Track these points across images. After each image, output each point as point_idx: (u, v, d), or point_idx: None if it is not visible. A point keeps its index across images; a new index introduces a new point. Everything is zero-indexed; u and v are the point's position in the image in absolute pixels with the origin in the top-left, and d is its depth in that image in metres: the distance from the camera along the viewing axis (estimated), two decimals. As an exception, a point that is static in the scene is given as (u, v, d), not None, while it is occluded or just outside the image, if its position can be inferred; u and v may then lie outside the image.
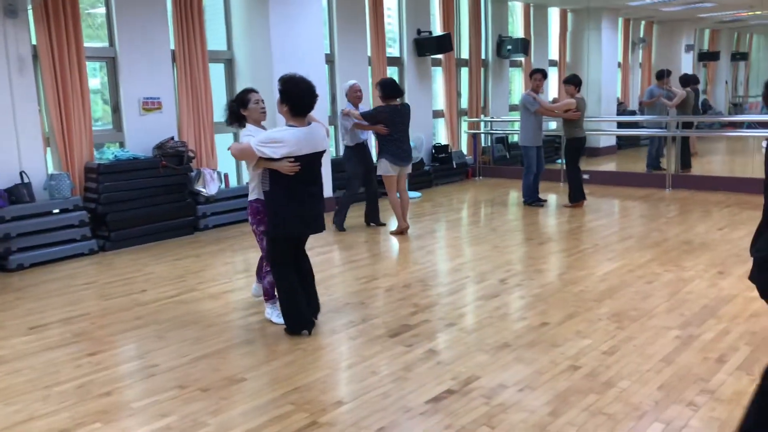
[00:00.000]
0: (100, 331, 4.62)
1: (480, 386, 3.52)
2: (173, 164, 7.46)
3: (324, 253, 6.65)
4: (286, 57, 8.16)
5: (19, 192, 6.49)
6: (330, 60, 9.52)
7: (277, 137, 4.10)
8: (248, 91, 4.63)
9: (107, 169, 6.97)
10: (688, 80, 11.71)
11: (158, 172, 7.33)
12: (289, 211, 4.23)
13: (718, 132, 13.24)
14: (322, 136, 4.32)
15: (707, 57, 19.34)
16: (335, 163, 9.14)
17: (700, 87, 13.86)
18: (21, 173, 6.58)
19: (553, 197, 9.38)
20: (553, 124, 13.94)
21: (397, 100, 7.17)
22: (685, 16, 16.35)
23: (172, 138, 7.66)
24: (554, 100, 8.82)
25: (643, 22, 16.99)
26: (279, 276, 4.37)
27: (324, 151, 4.33)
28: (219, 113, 8.38)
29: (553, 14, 14.30)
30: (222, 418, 3.30)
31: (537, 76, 8.68)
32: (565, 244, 6.68)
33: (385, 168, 7.18)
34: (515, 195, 9.87)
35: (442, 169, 11.10)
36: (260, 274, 4.90)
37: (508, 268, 5.84)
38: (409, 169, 7.37)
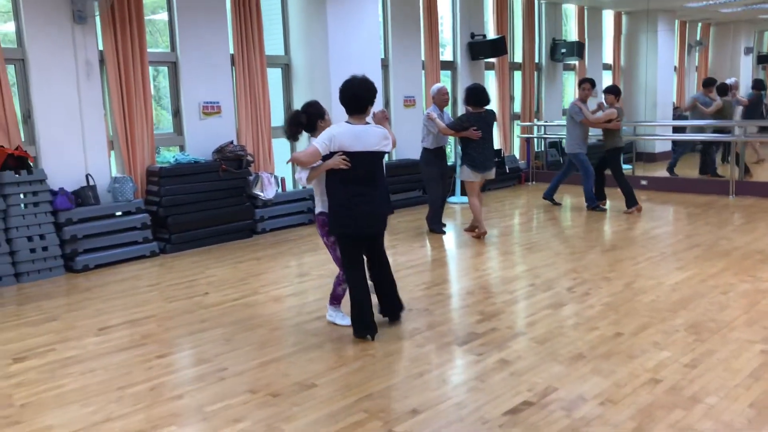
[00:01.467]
0: (167, 334, 4.66)
1: (558, 398, 3.41)
2: (232, 168, 7.52)
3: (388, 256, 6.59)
4: (342, 62, 8.16)
5: (85, 194, 6.62)
6: (384, 65, 9.49)
7: (332, 132, 4.20)
8: (320, 104, 4.60)
9: (168, 173, 7.06)
10: (724, 90, 11.24)
11: (218, 175, 7.40)
12: (343, 210, 4.25)
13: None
14: (378, 136, 4.30)
15: (766, 59, 18.73)
16: (391, 168, 9.09)
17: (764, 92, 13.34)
18: (87, 176, 6.72)
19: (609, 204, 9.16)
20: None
21: (483, 108, 7.08)
22: (744, 17, 15.87)
23: (232, 142, 7.73)
24: (599, 106, 8.70)
25: (699, 24, 16.55)
26: (348, 278, 4.40)
27: (380, 153, 4.33)
28: (277, 118, 8.47)
29: (607, 17, 14.03)
30: (296, 425, 3.27)
31: (586, 86, 8.63)
32: (630, 252, 6.49)
33: (467, 174, 7.15)
34: (570, 200, 9.67)
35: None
36: (334, 295, 4.72)
37: (573, 276, 5.69)
38: (490, 175, 7.29)
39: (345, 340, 4.38)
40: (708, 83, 10.93)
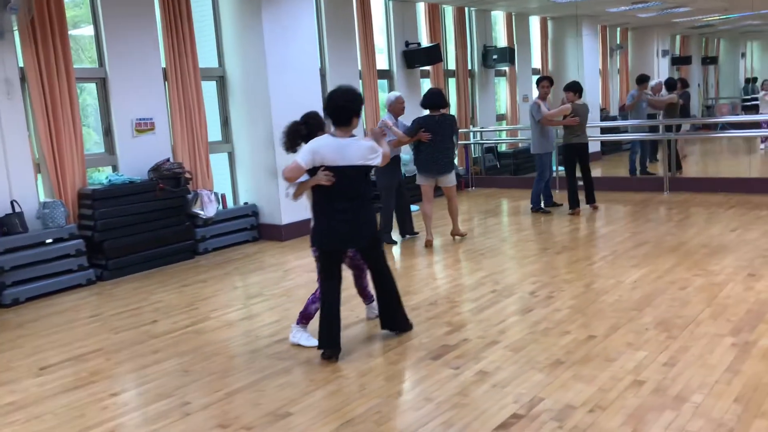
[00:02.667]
0: (118, 368, 4.31)
1: (547, 409, 3.31)
2: (170, 187, 7.15)
3: (336, 272, 6.40)
4: (280, 72, 7.93)
5: (11, 222, 6.12)
6: (321, 74, 9.30)
7: (313, 145, 4.09)
8: (320, 115, 4.41)
9: (102, 195, 6.63)
10: (682, 84, 11.71)
11: (155, 195, 7.02)
12: (322, 224, 4.18)
13: (720, 133, 13.26)
14: (363, 149, 4.15)
15: (680, 61, 19.62)
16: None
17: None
18: (12, 202, 6.22)
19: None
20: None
21: (440, 110, 6.98)
22: (659, 21, 16.54)
23: (168, 159, 7.35)
24: (562, 102, 8.77)
25: (618, 29, 17.14)
26: (323, 290, 4.24)
27: (362, 166, 4.16)
28: (214, 132, 8.15)
29: (534, 23, 14.32)
30: (277, 459, 3.04)
31: (544, 83, 8.68)
32: (582, 252, 6.53)
33: (418, 177, 7.17)
34: (512, 204, 9.74)
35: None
36: (366, 294, 4.77)
37: (533, 279, 5.66)
38: (447, 180, 7.14)
39: (313, 362, 4.16)
40: (641, 80, 11.25)
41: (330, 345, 4.15)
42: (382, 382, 3.83)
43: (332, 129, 4.20)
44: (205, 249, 7.59)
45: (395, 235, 7.64)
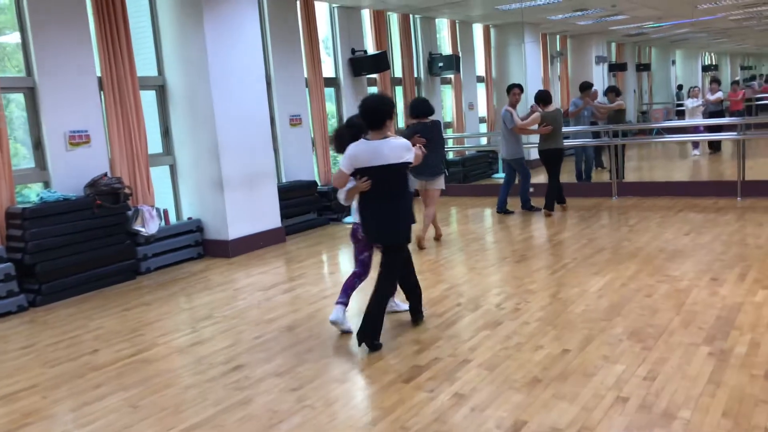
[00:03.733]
0: (56, 407, 3.89)
1: (532, 433, 3.12)
2: (108, 203, 6.69)
3: (293, 289, 6.09)
4: (224, 80, 7.58)
5: (-70, 246, 5.57)
6: (267, 83, 8.96)
7: (350, 151, 4.37)
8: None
9: (33, 214, 6.12)
10: (619, 92, 11.87)
11: (92, 213, 6.54)
12: (369, 223, 4.51)
13: (664, 138, 13.53)
14: (397, 149, 4.35)
15: (617, 68, 20.11)
16: (283, 190, 8.60)
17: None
18: (-70, 225, 5.66)
19: (489, 211, 9.23)
20: (484, 140, 13.98)
21: (428, 117, 7.10)
22: (597, 29, 16.88)
23: (105, 174, 6.89)
24: (532, 110, 8.95)
25: (558, 36, 17.41)
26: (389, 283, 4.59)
27: (397, 165, 4.36)
28: (154, 144, 7.72)
29: (477, 30, 14.34)
30: (244, 506, 2.73)
31: (515, 91, 8.94)
32: (542, 261, 6.42)
33: (412, 183, 7.10)
34: (463, 213, 9.63)
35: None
36: (347, 293, 4.82)
37: (497, 290, 5.49)
38: (435, 184, 7.30)
39: (273, 391, 3.85)
40: (585, 87, 11.35)
41: (364, 338, 4.31)
42: (352, 410, 3.57)
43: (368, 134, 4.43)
44: (148, 268, 7.15)
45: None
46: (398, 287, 4.85)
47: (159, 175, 7.86)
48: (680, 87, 17.22)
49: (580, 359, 3.94)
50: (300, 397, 3.74)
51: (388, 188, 4.39)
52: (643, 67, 22.72)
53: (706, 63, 29.60)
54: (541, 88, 15.79)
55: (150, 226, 7.17)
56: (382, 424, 3.35)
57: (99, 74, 7.04)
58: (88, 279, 6.51)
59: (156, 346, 4.81)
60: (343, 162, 4.38)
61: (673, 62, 25.83)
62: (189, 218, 7.90)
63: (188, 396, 3.89)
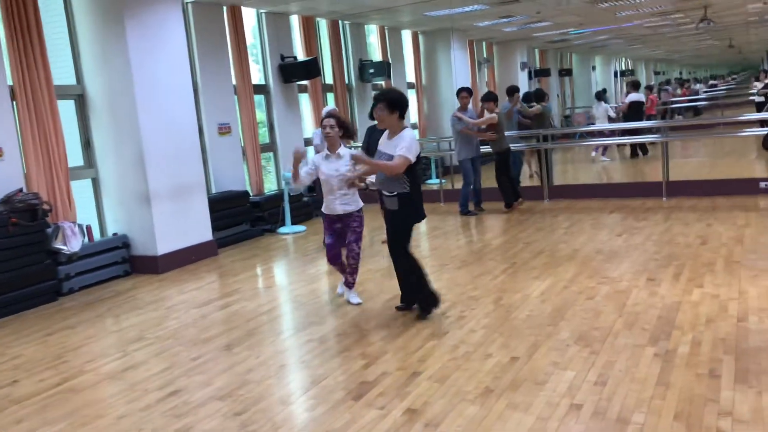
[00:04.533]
0: (-28, 448, 3.55)
1: (490, 447, 3.03)
2: (25, 221, 6.25)
3: (229, 305, 5.84)
4: (149, 87, 7.25)
5: None
6: (194, 90, 8.64)
7: (414, 140, 4.77)
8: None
9: (-60, 235, 5.65)
10: (542, 96, 12.10)
11: (7, 231, 6.10)
12: (418, 201, 4.90)
13: (590, 142, 13.93)
14: None
15: (540, 74, 20.59)
16: (213, 201, 8.30)
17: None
18: None
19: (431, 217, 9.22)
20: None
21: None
22: (521, 35, 17.24)
23: (21, 190, 6.43)
24: (482, 109, 9.37)
25: (484, 43, 17.67)
26: (412, 261, 5.04)
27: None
28: (74, 157, 7.30)
29: (406, 37, 14.37)
30: None
31: (463, 95, 9.20)
32: (482, 266, 6.41)
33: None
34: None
35: (320, 199, 10.51)
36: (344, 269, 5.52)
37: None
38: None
39: (215, 416, 3.63)
40: (512, 91, 11.48)
41: (438, 302, 5.00)
42: (301, 433, 3.39)
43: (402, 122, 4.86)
44: (71, 288, 6.73)
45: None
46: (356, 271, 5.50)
47: (80, 189, 7.42)
48: (604, 91, 17.81)
49: (529, 366, 3.90)
50: (244, 421, 3.53)
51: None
52: (565, 73, 23.40)
53: (623, 68, 30.78)
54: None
55: (72, 244, 6.75)
56: (334, 446, 3.20)
57: (10, 83, 6.58)
58: (5, 303, 6.06)
59: (83, 374, 4.48)
60: (411, 148, 4.67)
61: (593, 68, 26.72)
62: (114, 234, 7.49)
63: (122, 427, 3.61)
